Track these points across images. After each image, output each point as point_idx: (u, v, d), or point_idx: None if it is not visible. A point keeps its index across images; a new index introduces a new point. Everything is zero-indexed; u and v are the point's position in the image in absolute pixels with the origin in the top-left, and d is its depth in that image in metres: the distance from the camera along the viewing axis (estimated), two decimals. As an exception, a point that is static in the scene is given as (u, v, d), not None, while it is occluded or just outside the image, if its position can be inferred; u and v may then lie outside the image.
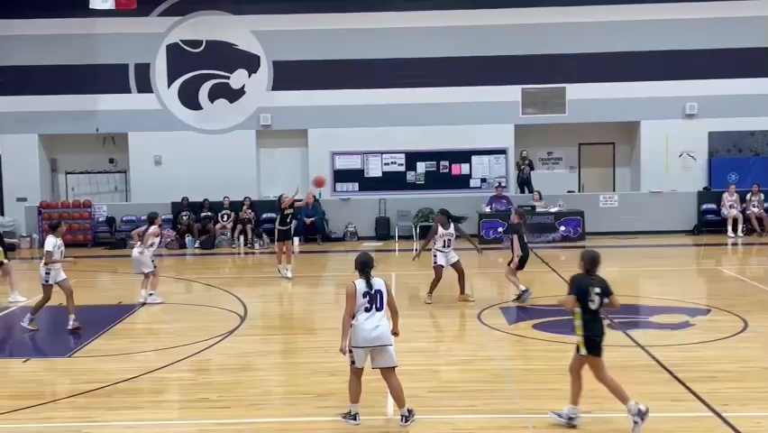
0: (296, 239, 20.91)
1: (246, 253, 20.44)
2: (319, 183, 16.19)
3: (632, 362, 9.56)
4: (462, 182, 22.13)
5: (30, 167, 22.20)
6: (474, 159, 22.14)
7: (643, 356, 9.74)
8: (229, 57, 21.98)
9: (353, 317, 7.66)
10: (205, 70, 22.10)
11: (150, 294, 13.52)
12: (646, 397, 8.20)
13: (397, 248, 20.30)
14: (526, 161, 22.22)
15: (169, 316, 13.14)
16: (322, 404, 8.25)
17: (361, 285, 7.74)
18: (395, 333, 8.02)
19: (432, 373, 9.23)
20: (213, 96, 22.16)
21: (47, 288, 11.89)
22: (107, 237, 21.63)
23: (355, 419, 7.67)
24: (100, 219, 21.90)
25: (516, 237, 12.98)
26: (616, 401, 7.51)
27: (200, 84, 22.11)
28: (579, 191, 23.10)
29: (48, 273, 11.84)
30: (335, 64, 21.80)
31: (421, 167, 22.13)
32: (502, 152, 22.19)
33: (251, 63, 22.04)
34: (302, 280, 16.83)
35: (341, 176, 22.17)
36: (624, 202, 21.94)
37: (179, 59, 21.99)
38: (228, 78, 22.12)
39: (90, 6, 19.29)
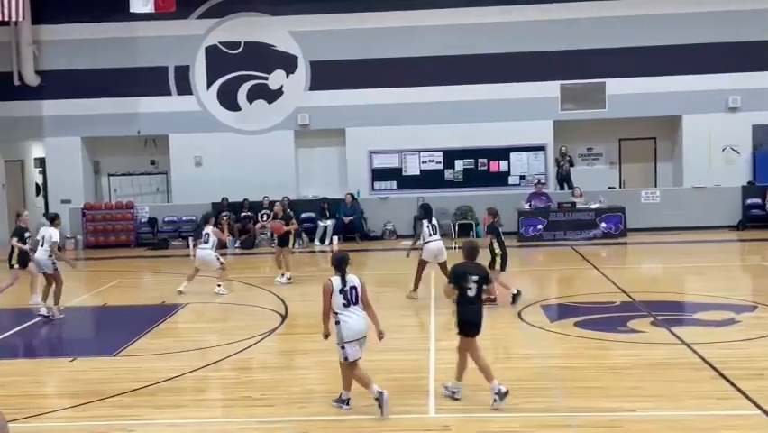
0: (334, 238, 21.02)
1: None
2: (276, 230, 16.00)
3: (677, 359, 9.44)
4: (501, 179, 22.00)
5: (73, 169, 22.58)
6: (513, 156, 22.00)
7: (688, 354, 9.60)
8: (267, 58, 22.12)
9: (334, 315, 8.06)
10: (243, 71, 22.28)
11: (218, 285, 14.38)
12: (692, 395, 8.10)
13: (435, 246, 20.23)
14: (567, 158, 22.03)
15: (211, 315, 13.29)
16: (365, 402, 8.25)
17: (336, 282, 8.09)
18: (381, 334, 8.39)
19: (473, 372, 9.14)
20: (251, 96, 22.33)
21: (56, 275, 12.81)
22: (149, 238, 21.92)
23: (347, 404, 8.11)
24: (142, 220, 22.20)
25: (493, 238, 12.63)
26: (656, 401, 7.42)
27: (239, 85, 22.29)
28: (619, 187, 22.84)
29: (54, 263, 12.79)
30: (373, 63, 21.82)
31: (459, 165, 22.06)
32: (541, 148, 22.02)
33: (289, 63, 22.16)
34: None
35: (379, 175, 22.19)
36: (666, 198, 21.64)
37: (218, 60, 22.19)
38: (266, 78, 22.27)
39: (131, 10, 19.56)
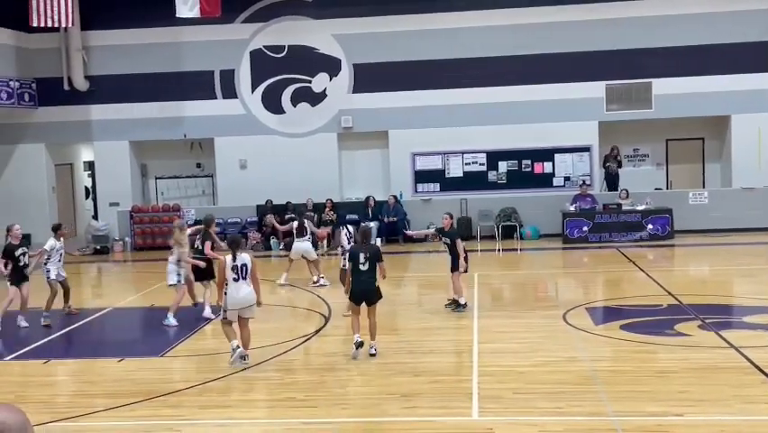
0: (378, 240, 21.04)
1: (329, 254, 20.63)
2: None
3: (725, 363, 9.28)
4: (545, 181, 21.79)
5: (121, 172, 22.95)
6: (557, 157, 21.78)
7: (737, 358, 9.42)
8: (310, 61, 22.24)
9: (225, 285, 9.70)
10: (287, 75, 22.42)
11: (321, 276, 15.15)
12: (740, 400, 7.95)
13: (479, 248, 20.16)
14: (616, 158, 21.75)
15: (256, 316, 13.38)
16: (407, 404, 8.27)
17: (229, 260, 9.72)
18: (259, 303, 10.04)
19: (517, 375, 9.14)
20: (295, 99, 22.46)
21: (50, 284, 12.84)
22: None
23: (235, 350, 9.74)
24: (189, 222, 22.46)
25: (459, 241, 12.56)
26: (704, 405, 7.29)
27: (283, 88, 22.44)
28: (666, 188, 22.48)
29: (48, 271, 12.76)
30: (415, 65, 21.80)
31: (503, 166, 21.91)
32: (586, 149, 21.78)
33: (333, 66, 22.26)
34: (383, 281, 16.90)
35: (422, 176, 22.15)
36: (714, 199, 21.25)
37: (262, 64, 22.38)
38: (310, 81, 22.38)
39: (177, 15, 19.82)
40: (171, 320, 12.33)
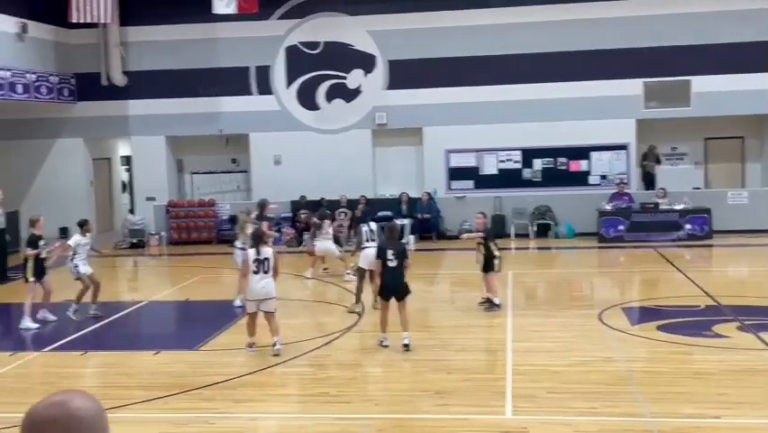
0: (411, 237, 21.02)
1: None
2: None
3: (764, 366, 9.14)
4: (581, 179, 21.57)
5: (158, 167, 23.18)
6: (593, 155, 21.54)
7: (777, 361, 9.26)
8: (345, 57, 22.26)
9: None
10: (322, 71, 22.47)
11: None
12: (781, 404, 7.80)
13: (513, 246, 20.05)
14: (653, 157, 21.46)
15: (289, 312, 13.44)
16: (440, 401, 8.24)
17: (252, 253, 10.13)
18: None
19: (551, 374, 9.06)
20: (330, 96, 22.50)
21: (81, 279, 12.68)
22: (230, 235, 22.28)
23: (252, 347, 10.24)
24: (223, 217, 22.63)
25: (491, 241, 12.51)
26: (742, 408, 7.17)
27: (318, 84, 22.49)
28: (705, 188, 22.13)
29: (76, 267, 12.59)
30: (450, 62, 21.70)
31: (537, 164, 21.73)
32: (623, 147, 21.52)
33: (367, 63, 22.25)
34: (417, 278, 16.86)
35: (456, 174, 22.06)
36: (754, 198, 20.88)
37: (298, 60, 22.44)
38: (345, 78, 22.40)
39: (213, 11, 19.97)
40: (238, 302, 12.75)
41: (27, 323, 12.22)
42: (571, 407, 7.96)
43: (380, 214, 21.78)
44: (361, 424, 7.75)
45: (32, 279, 12.34)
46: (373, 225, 13.02)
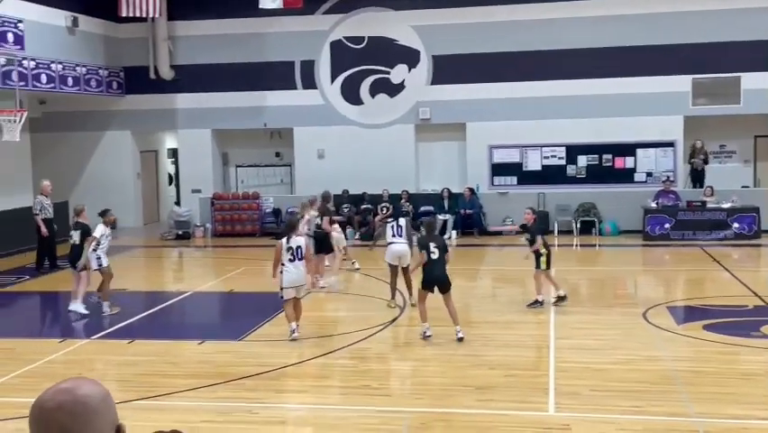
0: (453, 232, 20.98)
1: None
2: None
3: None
4: (626, 176, 21.29)
5: (203, 160, 23.45)
6: (639, 152, 21.24)
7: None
8: (390, 52, 22.26)
9: (282, 265, 10.51)
10: (366, 66, 22.50)
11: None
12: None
13: (556, 243, 19.88)
14: (701, 155, 21.09)
15: (332, 304, 13.55)
16: (482, 397, 8.24)
17: (284, 242, 10.59)
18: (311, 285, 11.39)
19: (594, 372, 8.99)
20: (374, 91, 22.52)
21: (102, 271, 12.52)
22: (274, 227, 22.50)
23: (294, 332, 10.51)
24: (267, 210, 22.84)
25: (539, 237, 12.36)
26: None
27: (362, 79, 22.54)
28: (754, 186, 21.70)
29: (99, 258, 12.45)
30: (494, 56, 21.58)
31: (582, 160, 21.50)
32: (670, 144, 21.20)
33: (412, 58, 22.23)
34: (459, 274, 16.84)
35: (499, 169, 21.93)
36: (805, 198, 20.41)
37: (342, 55, 22.52)
38: (389, 73, 22.41)
39: (260, 6, 20.12)
40: (323, 283, 14.00)
41: (77, 306, 12.43)
42: (615, 405, 7.89)
43: (423, 209, 21.84)
44: (403, 417, 7.77)
45: (80, 270, 12.49)
46: (402, 222, 12.85)
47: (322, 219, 14.55)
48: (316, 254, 13.95)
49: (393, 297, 12.63)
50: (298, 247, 10.59)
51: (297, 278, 10.60)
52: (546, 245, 12.42)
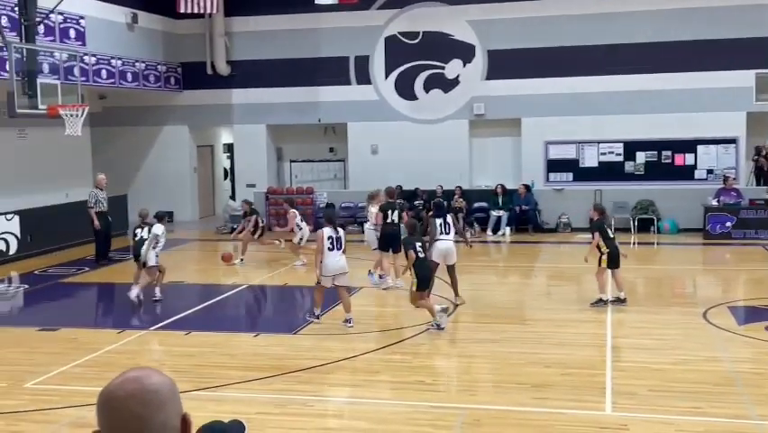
0: (507, 229, 20.82)
1: (457, 242, 20.56)
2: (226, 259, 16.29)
3: None
4: (686, 173, 20.83)
5: (258, 155, 23.67)
6: (700, 148, 20.76)
7: None
8: (444, 47, 22.16)
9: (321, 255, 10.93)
10: (420, 61, 22.44)
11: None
12: None
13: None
14: (764, 152, 20.52)
15: (385, 300, 13.55)
16: (538, 395, 8.15)
17: (327, 231, 10.93)
18: None
19: (653, 372, 8.82)
20: (428, 86, 22.45)
21: (155, 269, 12.94)
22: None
23: (318, 318, 11.16)
24: (321, 205, 22.94)
25: (598, 234, 12.05)
26: None
27: (416, 74, 22.47)
28: (819, 184, 21.05)
29: (157, 256, 12.89)
30: (550, 51, 21.30)
31: (640, 157, 21.10)
32: (732, 141, 20.67)
33: (466, 53, 22.09)
34: (513, 271, 16.72)
35: (554, 166, 21.68)
36: None
37: (397, 50, 22.48)
38: (443, 68, 22.31)
39: (316, 2, 20.22)
40: (375, 279, 13.88)
41: (135, 292, 12.76)
42: (674, 406, 7.73)
43: (476, 205, 21.71)
44: (457, 414, 7.73)
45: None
46: (449, 218, 12.75)
47: (392, 213, 13.97)
48: (381, 251, 13.97)
49: (457, 294, 12.56)
50: (339, 237, 10.96)
51: (336, 267, 10.91)
52: (608, 243, 12.11)
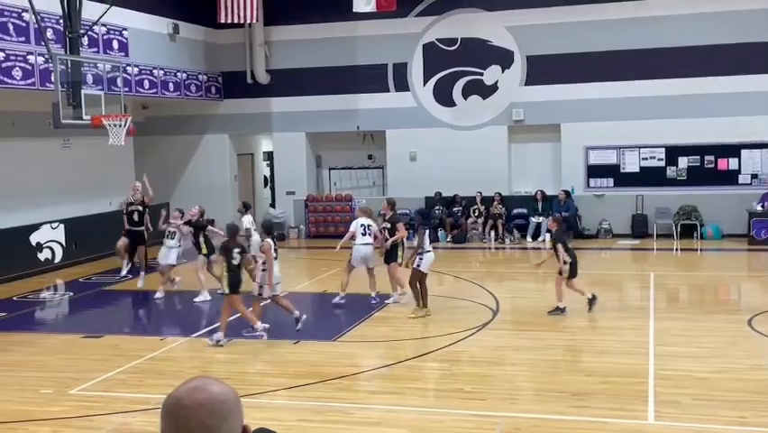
0: (547, 235, 20.64)
1: (497, 248, 20.53)
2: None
3: None
4: (730, 178, 20.47)
5: (298, 163, 23.83)
6: (744, 153, 20.40)
7: None
8: (483, 53, 22.10)
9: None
10: (459, 68, 22.40)
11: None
12: None
13: (655, 247, 19.36)
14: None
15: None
16: (578, 403, 8.07)
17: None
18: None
19: (696, 380, 8.69)
20: (466, 92, 22.40)
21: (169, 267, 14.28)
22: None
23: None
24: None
25: (559, 245, 12.02)
26: None
27: (454, 81, 22.45)
28: None
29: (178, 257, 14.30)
30: (589, 56, 21.12)
31: (683, 162, 20.81)
32: (777, 145, 20.28)
33: (505, 59, 22.00)
34: (553, 277, 16.56)
35: (595, 171, 21.46)
36: None
37: (435, 57, 22.48)
38: (482, 74, 22.24)
39: (354, 10, 20.32)
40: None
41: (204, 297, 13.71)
42: (718, 415, 7.61)
43: (516, 211, 21.60)
44: (497, 422, 7.69)
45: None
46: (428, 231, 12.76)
47: (394, 227, 13.30)
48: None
49: (422, 305, 12.40)
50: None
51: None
52: (570, 254, 12.11)
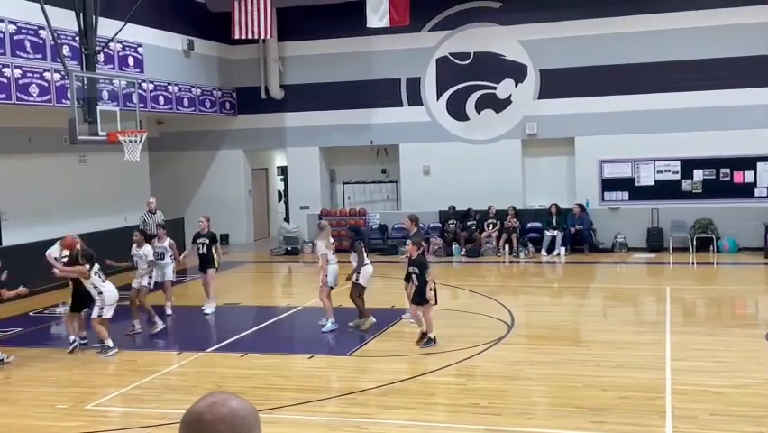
0: (562, 249, 20.57)
1: (511, 262, 20.46)
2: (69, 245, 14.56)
3: None
4: (746, 191, 20.34)
5: (312, 177, 23.91)
6: (760, 166, 20.28)
7: None
8: (496, 67, 22.13)
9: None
10: (472, 82, 22.44)
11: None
12: None
13: (671, 261, 19.25)
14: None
15: (438, 321, 13.45)
16: (595, 418, 8.01)
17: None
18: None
19: (714, 395, 8.61)
20: (479, 106, 22.42)
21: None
22: (380, 244, 22.68)
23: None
24: (374, 227, 23.03)
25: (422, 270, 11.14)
26: None
27: (467, 95, 22.47)
28: None
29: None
30: (603, 70, 21.11)
31: (698, 175, 20.71)
32: (793, 158, 20.15)
33: (518, 73, 22.02)
34: (568, 291, 16.52)
35: (609, 184, 21.40)
36: None
37: (448, 71, 22.53)
38: (495, 88, 22.26)
39: (367, 25, 20.41)
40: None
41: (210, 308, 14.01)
42: (736, 430, 7.54)
43: (530, 225, 21.55)
44: (513, 437, 7.64)
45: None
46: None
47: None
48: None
49: (364, 316, 12.45)
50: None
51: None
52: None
